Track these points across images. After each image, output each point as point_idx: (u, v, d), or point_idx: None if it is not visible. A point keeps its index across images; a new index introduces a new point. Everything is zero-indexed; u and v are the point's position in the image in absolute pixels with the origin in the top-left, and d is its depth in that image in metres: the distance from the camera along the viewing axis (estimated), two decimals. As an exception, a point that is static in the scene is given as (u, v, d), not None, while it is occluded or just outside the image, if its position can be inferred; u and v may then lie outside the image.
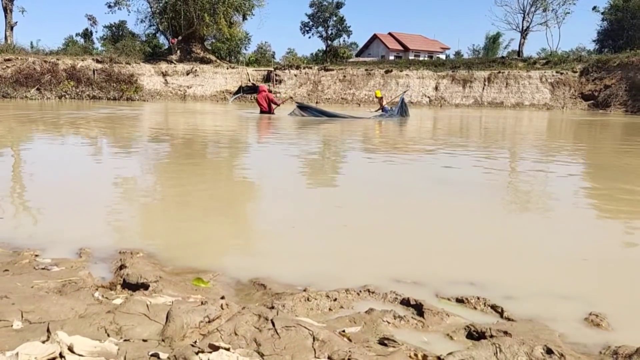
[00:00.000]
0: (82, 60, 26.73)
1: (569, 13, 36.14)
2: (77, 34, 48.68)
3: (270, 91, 24.03)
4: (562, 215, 3.62)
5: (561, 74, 29.56)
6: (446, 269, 2.36)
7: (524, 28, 36.25)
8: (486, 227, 3.21)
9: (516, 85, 29.70)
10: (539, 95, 29.31)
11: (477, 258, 2.55)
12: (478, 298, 1.96)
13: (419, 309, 1.83)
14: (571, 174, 5.73)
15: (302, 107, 15.59)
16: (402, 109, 16.45)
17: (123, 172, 4.98)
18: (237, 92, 27.31)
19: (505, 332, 1.60)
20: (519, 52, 36.38)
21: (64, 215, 3.21)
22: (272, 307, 1.72)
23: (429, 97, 30.38)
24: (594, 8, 39.57)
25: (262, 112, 15.57)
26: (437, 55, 50.08)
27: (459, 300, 1.97)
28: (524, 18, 36.01)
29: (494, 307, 1.90)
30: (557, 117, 20.60)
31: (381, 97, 18.33)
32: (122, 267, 2.11)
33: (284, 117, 14.83)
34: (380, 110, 17.39)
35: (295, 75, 30.77)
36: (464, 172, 5.56)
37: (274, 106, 15.76)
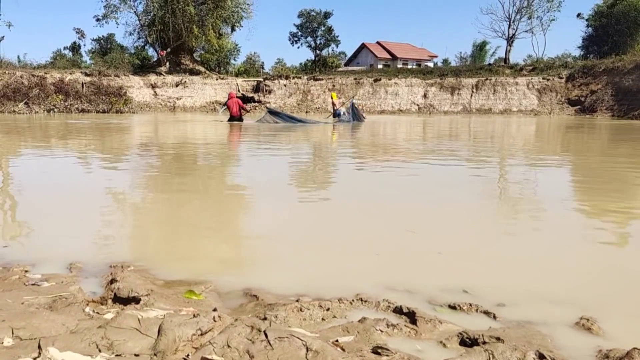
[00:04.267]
0: (71, 74, 26.61)
1: (553, 20, 36.62)
2: (65, 48, 48.52)
3: (256, 100, 25.42)
4: (553, 223, 3.65)
5: (547, 80, 29.90)
6: (438, 277, 2.36)
7: (510, 35, 36.65)
8: (477, 235, 3.23)
9: (504, 91, 29.98)
10: (526, 101, 29.60)
11: (468, 265, 2.56)
12: (470, 305, 1.97)
13: (411, 316, 1.83)
14: (564, 181, 5.77)
15: (273, 113, 16.75)
16: (355, 114, 17.96)
17: (113, 186, 4.95)
18: (226, 103, 27.32)
19: (498, 338, 1.61)
20: (506, 59, 36.74)
21: (54, 230, 3.18)
22: (265, 318, 1.71)
23: (417, 104, 30.56)
24: (579, 15, 40.13)
25: (231, 117, 16.49)
26: (425, 64, 50.48)
27: (452, 307, 1.97)
28: (509, 26, 36.42)
29: (486, 313, 1.91)
30: (547, 122, 20.78)
31: (333, 102, 19.35)
32: (112, 281, 2.10)
33: (254, 124, 15.69)
34: (332, 114, 18.74)
35: (285, 85, 30.83)
36: (456, 181, 5.59)
37: (243, 112, 16.86)
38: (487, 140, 11.89)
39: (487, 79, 30.52)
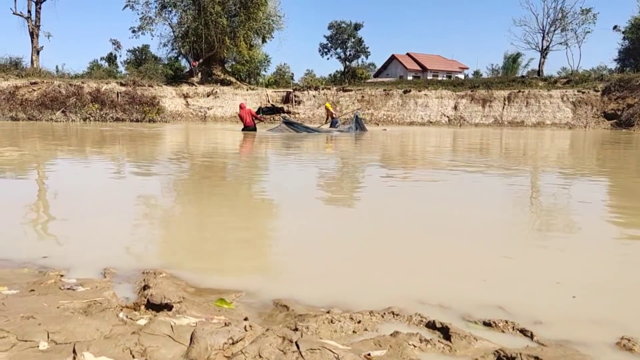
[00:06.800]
0: (107, 84, 27.38)
1: (589, 32, 35.96)
2: (101, 58, 50.04)
3: (285, 110, 26.62)
4: (592, 240, 3.54)
5: (583, 92, 29.31)
6: (472, 292, 2.31)
7: (544, 47, 36.10)
8: (513, 250, 3.15)
9: (537, 104, 29.50)
10: (560, 114, 29.06)
11: (504, 281, 2.50)
12: (506, 321, 1.91)
13: (445, 332, 1.79)
14: (608, 199, 5.57)
15: (288, 123, 17.79)
16: (358, 125, 18.92)
17: (145, 193, 5.03)
18: (256, 113, 27.68)
19: (536, 358, 1.55)
20: (539, 72, 36.18)
21: (88, 234, 3.24)
22: (296, 329, 1.70)
23: (448, 116, 30.34)
24: (615, 27, 39.36)
25: (245, 127, 17.16)
26: (456, 75, 50.12)
27: (487, 324, 1.92)
28: (543, 37, 35.92)
29: (523, 331, 1.85)
30: (584, 135, 20.33)
31: (329, 110, 20.47)
32: (145, 287, 2.12)
33: (269, 133, 16.53)
34: (329, 121, 19.80)
35: (314, 96, 31.03)
36: (492, 193, 5.49)
37: (256, 121, 17.63)
38: (524, 154, 11.68)
39: (519, 91, 30.12)
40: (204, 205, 4.52)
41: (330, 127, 19.25)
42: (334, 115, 20.19)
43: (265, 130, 17.80)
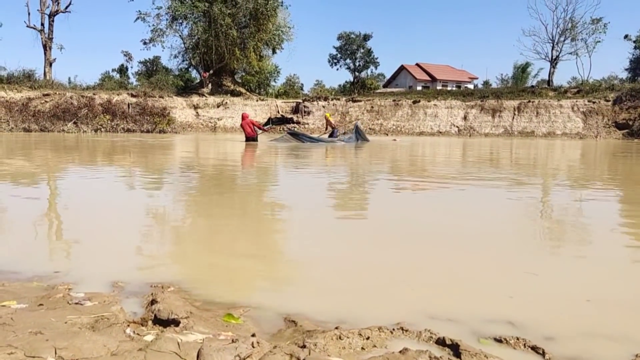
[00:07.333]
0: (118, 95, 27.67)
1: (599, 42, 35.84)
2: (113, 70, 50.72)
3: (295, 121, 26.98)
4: (604, 254, 3.48)
5: (593, 102, 29.14)
6: (482, 307, 2.28)
7: (554, 57, 35.99)
8: (523, 265, 3.11)
9: (547, 114, 29.36)
10: (571, 124, 28.89)
11: (514, 296, 2.46)
12: (517, 338, 1.88)
13: (455, 349, 1.76)
14: (622, 212, 5.49)
15: (293, 134, 18.15)
16: (359, 135, 19.36)
17: (153, 205, 5.05)
18: (266, 124, 27.84)
19: (548, 377, 1.52)
20: (549, 81, 36.05)
21: (97, 247, 3.25)
22: (304, 346, 1.68)
23: (457, 126, 30.27)
24: (626, 36, 39.19)
25: (247, 137, 17.10)
26: (465, 85, 50.05)
27: (497, 341, 1.89)
28: (553, 47, 35.84)
29: (534, 349, 1.82)
30: (596, 146, 20.16)
31: (329, 121, 20.66)
32: (153, 301, 2.11)
33: (273, 143, 16.89)
34: (329, 131, 20.09)
35: (324, 107, 31.12)
36: (502, 207, 5.44)
37: (259, 131, 17.70)
38: (535, 165, 11.61)
39: (529, 101, 30.01)
40: (212, 218, 4.52)
41: (331, 137, 19.37)
42: (333, 126, 20.43)
43: (269, 140, 17.95)
